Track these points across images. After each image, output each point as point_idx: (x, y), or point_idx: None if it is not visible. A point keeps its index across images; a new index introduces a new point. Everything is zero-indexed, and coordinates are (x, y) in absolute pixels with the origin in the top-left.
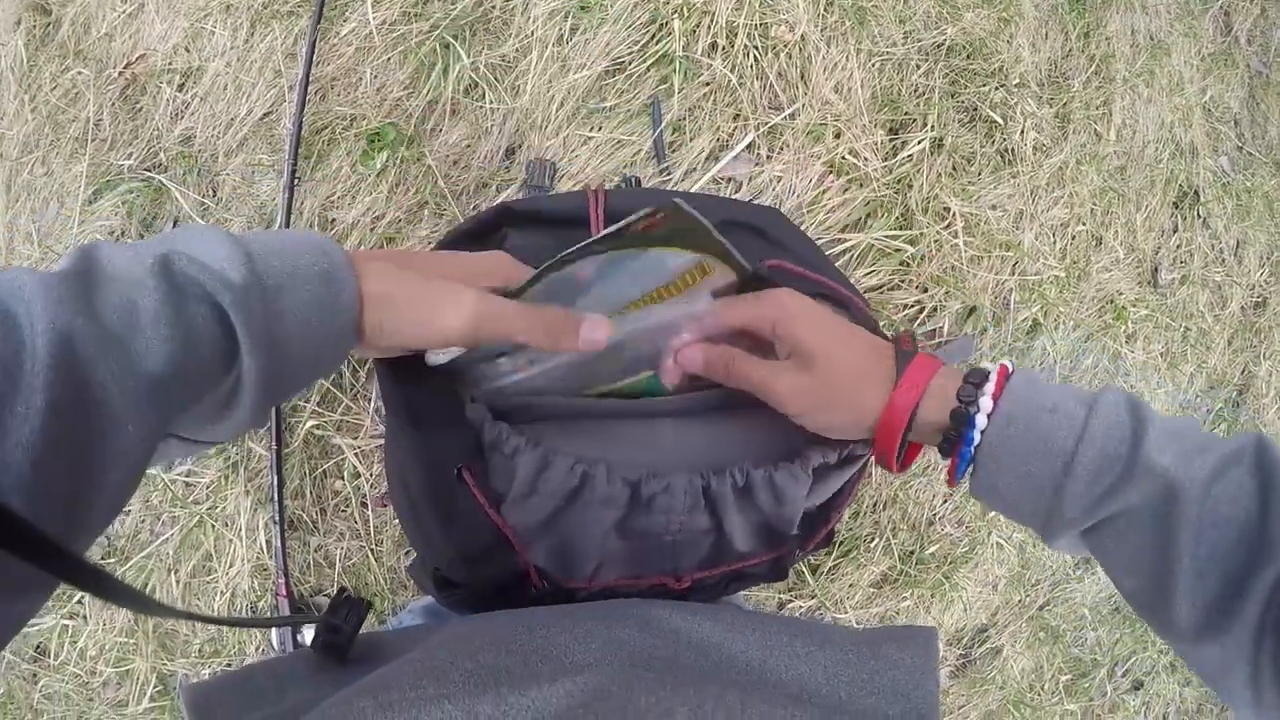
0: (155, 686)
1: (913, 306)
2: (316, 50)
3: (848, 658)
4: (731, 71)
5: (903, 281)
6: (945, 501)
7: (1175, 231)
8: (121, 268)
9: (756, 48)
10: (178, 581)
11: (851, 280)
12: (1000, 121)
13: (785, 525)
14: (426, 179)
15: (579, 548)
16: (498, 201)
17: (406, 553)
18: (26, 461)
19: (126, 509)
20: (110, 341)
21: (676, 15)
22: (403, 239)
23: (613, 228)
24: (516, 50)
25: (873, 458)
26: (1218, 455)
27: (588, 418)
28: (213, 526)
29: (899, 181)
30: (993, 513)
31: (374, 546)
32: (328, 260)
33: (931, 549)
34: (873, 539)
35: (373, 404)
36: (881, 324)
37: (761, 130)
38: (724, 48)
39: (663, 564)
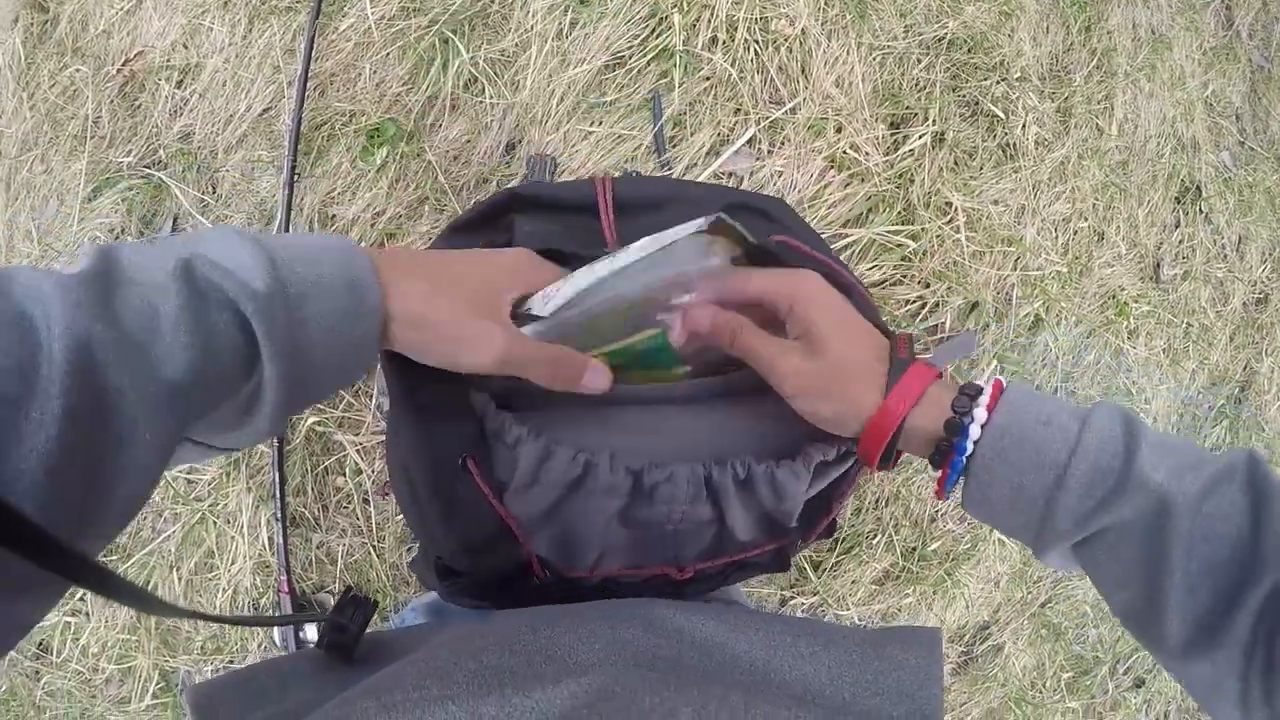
0: (158, 683)
1: (914, 302)
2: (315, 46)
3: (852, 658)
4: (732, 66)
5: (904, 277)
6: (947, 498)
7: (1177, 227)
8: (142, 270)
9: (757, 42)
10: (180, 579)
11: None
12: (1002, 116)
13: (785, 518)
14: (427, 174)
15: (581, 537)
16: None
17: (409, 549)
18: (41, 469)
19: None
20: (129, 347)
21: (676, 9)
22: (403, 235)
23: (660, 244)
24: (516, 45)
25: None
26: (1210, 471)
27: (590, 405)
28: (215, 523)
29: (900, 176)
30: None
31: (376, 543)
32: (353, 268)
33: (934, 546)
34: (875, 535)
35: (374, 400)
36: (884, 319)
37: (762, 125)
38: (724, 42)
39: (665, 554)
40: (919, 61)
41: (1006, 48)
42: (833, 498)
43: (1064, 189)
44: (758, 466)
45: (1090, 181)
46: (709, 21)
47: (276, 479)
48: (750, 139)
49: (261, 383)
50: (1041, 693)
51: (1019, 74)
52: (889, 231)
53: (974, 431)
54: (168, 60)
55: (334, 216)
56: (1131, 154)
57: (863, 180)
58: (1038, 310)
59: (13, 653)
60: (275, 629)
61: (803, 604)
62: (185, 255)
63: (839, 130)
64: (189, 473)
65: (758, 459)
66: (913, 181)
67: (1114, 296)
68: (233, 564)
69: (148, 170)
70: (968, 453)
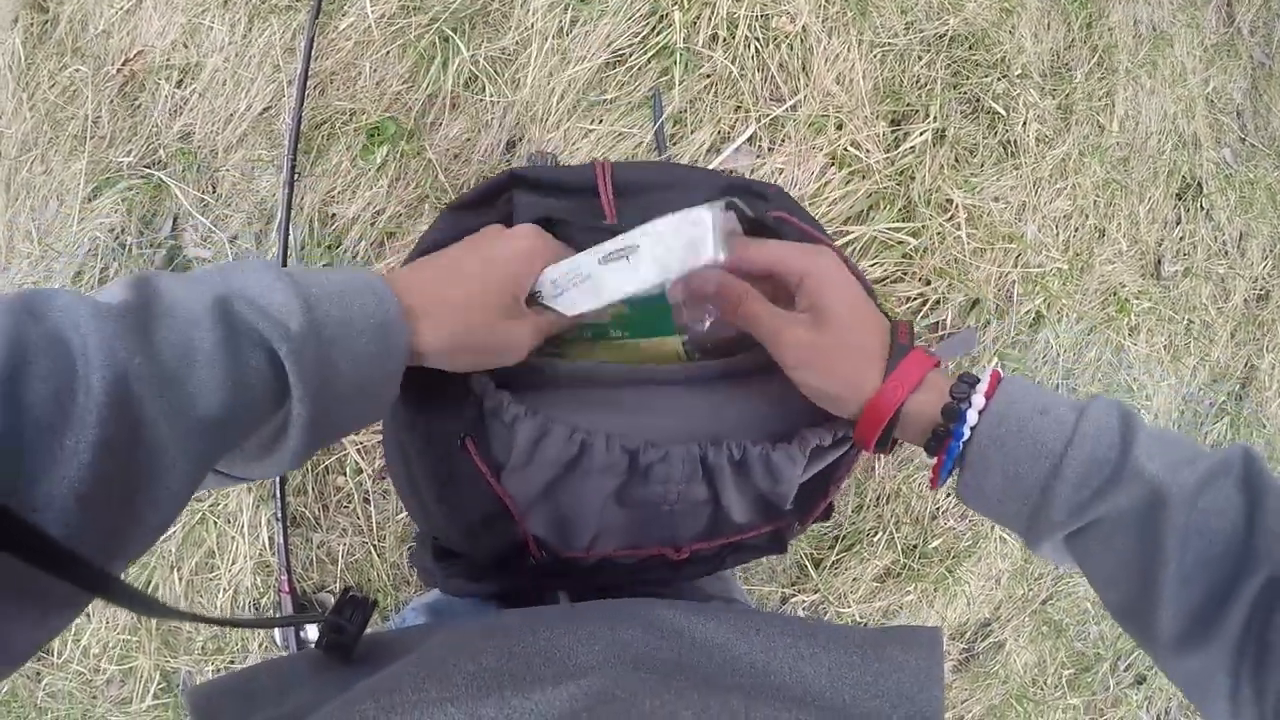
0: (159, 684)
1: (916, 299)
2: (315, 45)
3: (852, 660)
4: (733, 63)
5: (905, 274)
6: (948, 496)
7: (1178, 224)
8: (180, 305)
9: (757, 39)
10: (180, 579)
11: None
12: (1003, 113)
13: (780, 501)
14: (427, 173)
15: (577, 517)
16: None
17: (409, 548)
18: (72, 496)
19: None
20: (165, 381)
21: (677, 6)
22: (403, 234)
23: (670, 225)
24: (516, 43)
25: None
26: (1206, 466)
27: (589, 384)
28: (215, 523)
29: (901, 173)
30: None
31: (377, 542)
32: (383, 310)
33: (935, 543)
34: (876, 533)
35: None
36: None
37: (763, 122)
38: (725, 39)
39: (661, 534)
40: (920, 58)
41: (1007, 44)
42: (830, 481)
43: (1065, 186)
44: (753, 448)
45: (1091, 178)
46: (709, 19)
47: (277, 479)
48: (751, 136)
49: (289, 420)
50: (1043, 689)
51: (1020, 71)
52: (890, 229)
53: (971, 418)
54: (167, 60)
55: (334, 215)
56: (1132, 150)
57: (863, 177)
58: (1039, 307)
59: None
60: (276, 629)
61: (804, 601)
62: (222, 292)
63: (840, 127)
64: None
65: (753, 441)
66: (913, 178)
67: (1115, 293)
68: (233, 564)
69: (148, 170)
70: (964, 439)
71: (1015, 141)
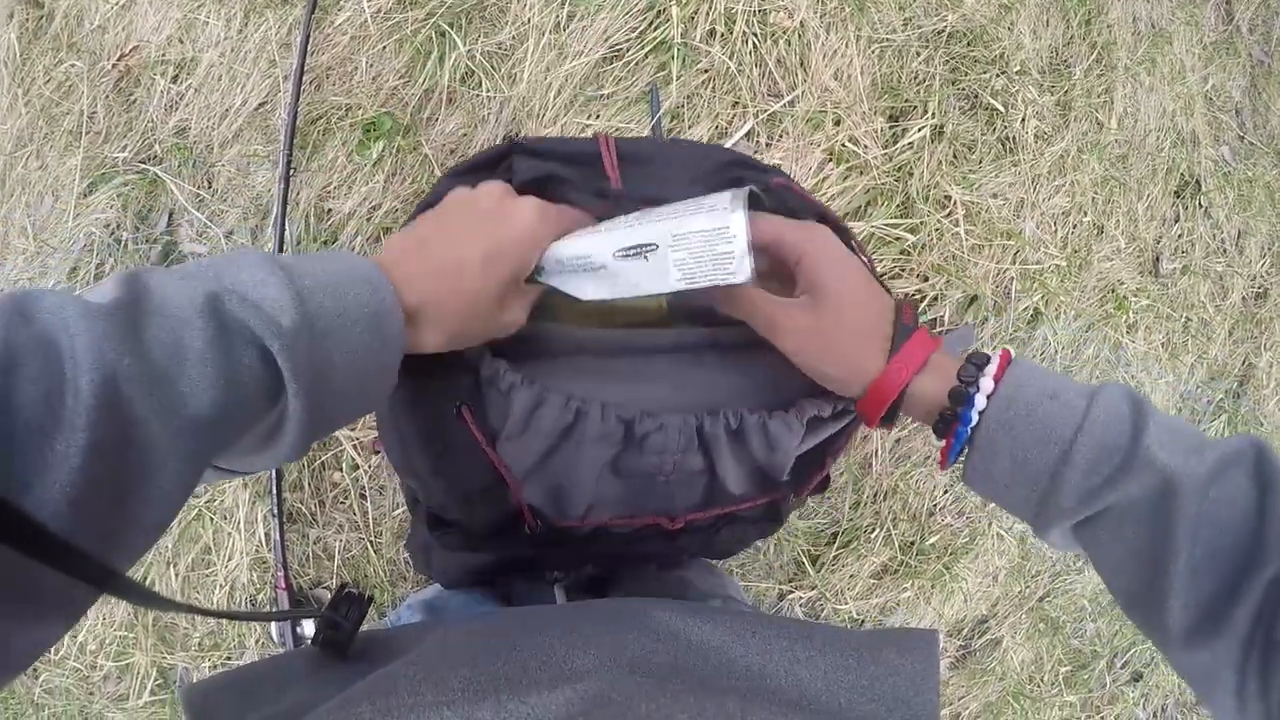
0: (155, 680)
1: (914, 295)
2: (311, 40)
3: (848, 663)
4: (730, 58)
5: (903, 270)
6: (946, 492)
7: (1177, 221)
8: (170, 302)
9: (755, 34)
10: (176, 575)
11: None
12: (1001, 109)
13: (776, 471)
14: (423, 168)
15: (573, 486)
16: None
17: (406, 544)
18: (64, 500)
19: None
20: (156, 381)
21: (674, 1)
22: (399, 229)
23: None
24: (513, 38)
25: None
26: (1217, 456)
27: (585, 352)
28: (211, 519)
29: (899, 169)
30: (991, 504)
31: (373, 538)
32: (378, 300)
33: (932, 540)
34: (873, 530)
35: None
36: None
37: (761, 118)
38: (722, 34)
39: (657, 504)
40: (918, 54)
41: (1006, 41)
42: (827, 453)
43: (1063, 183)
44: (750, 417)
45: (1090, 175)
46: (707, 14)
47: (273, 474)
48: (748, 132)
49: (285, 414)
50: (1039, 686)
51: (1018, 67)
52: (888, 225)
53: (979, 402)
54: (163, 55)
55: (330, 210)
56: (1131, 148)
57: (861, 173)
58: (1037, 304)
59: None
60: (273, 625)
61: (801, 598)
62: (214, 289)
63: (838, 123)
64: None
65: (750, 410)
66: (911, 175)
67: (1113, 290)
68: (229, 560)
69: (143, 165)
70: (972, 423)
71: (1014, 138)
